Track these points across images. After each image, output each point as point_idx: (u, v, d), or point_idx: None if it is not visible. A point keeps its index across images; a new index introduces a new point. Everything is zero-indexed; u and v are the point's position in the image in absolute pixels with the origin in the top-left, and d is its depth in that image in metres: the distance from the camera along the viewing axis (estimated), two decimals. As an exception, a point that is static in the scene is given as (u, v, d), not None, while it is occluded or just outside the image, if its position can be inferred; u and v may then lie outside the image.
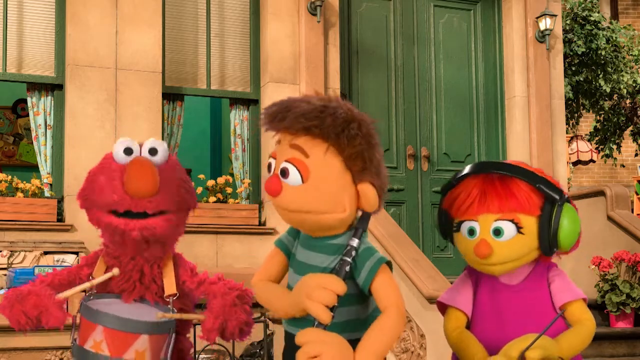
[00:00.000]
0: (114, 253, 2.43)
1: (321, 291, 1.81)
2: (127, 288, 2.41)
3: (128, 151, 2.36)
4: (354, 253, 1.92)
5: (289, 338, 2.09)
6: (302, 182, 1.94)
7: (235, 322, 2.35)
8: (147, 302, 2.42)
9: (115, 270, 2.38)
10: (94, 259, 2.48)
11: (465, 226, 2.17)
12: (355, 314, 2.01)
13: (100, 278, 2.37)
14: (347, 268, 1.90)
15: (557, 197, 2.12)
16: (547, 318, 2.19)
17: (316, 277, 1.87)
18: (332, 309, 1.83)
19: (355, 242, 1.93)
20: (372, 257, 1.98)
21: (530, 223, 2.13)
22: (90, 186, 2.40)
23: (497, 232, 2.13)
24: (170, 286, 2.41)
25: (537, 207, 2.13)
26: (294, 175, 1.94)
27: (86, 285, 2.36)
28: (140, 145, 2.41)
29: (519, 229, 2.12)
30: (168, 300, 2.40)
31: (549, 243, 2.13)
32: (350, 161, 1.96)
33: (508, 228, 2.12)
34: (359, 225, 1.96)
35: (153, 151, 2.38)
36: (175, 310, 2.40)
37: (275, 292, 2.08)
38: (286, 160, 1.95)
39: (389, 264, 2.00)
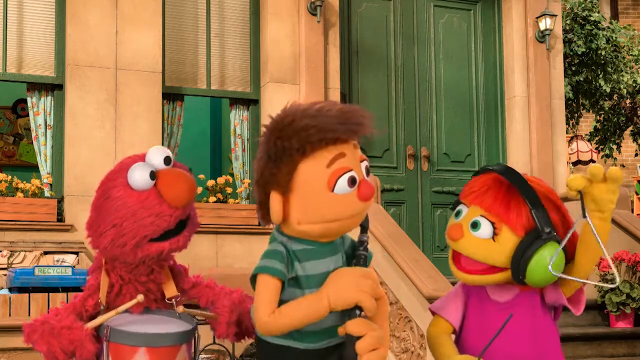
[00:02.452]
0: (127, 267, 2.34)
1: (370, 282, 1.90)
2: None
3: (152, 175, 2.25)
4: (368, 247, 2.03)
5: (296, 354, 2.02)
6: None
7: (249, 315, 2.37)
8: (153, 312, 2.39)
9: (140, 297, 2.33)
10: (96, 287, 2.39)
11: (457, 207, 2.21)
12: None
13: (124, 306, 2.30)
14: (364, 261, 2.01)
15: (545, 231, 2.06)
16: (537, 335, 2.17)
17: (356, 270, 1.94)
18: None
19: (366, 237, 2.04)
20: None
21: (508, 239, 2.08)
22: (120, 232, 2.24)
23: (475, 224, 2.12)
24: (171, 288, 2.40)
25: (522, 229, 2.08)
26: (368, 167, 2.04)
27: (112, 314, 2.29)
28: (144, 160, 2.32)
29: (494, 234, 2.09)
30: (170, 302, 2.38)
31: (517, 271, 2.07)
32: None
33: (485, 227, 2.10)
34: (365, 223, 2.06)
35: (168, 160, 2.31)
36: (191, 317, 2.38)
37: (300, 305, 1.95)
38: (361, 161, 2.00)
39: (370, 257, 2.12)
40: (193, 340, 2.34)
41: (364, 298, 1.87)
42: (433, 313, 2.32)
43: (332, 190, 1.92)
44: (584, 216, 2.04)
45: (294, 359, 2.02)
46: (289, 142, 1.92)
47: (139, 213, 2.21)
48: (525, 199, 2.09)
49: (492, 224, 2.10)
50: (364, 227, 2.05)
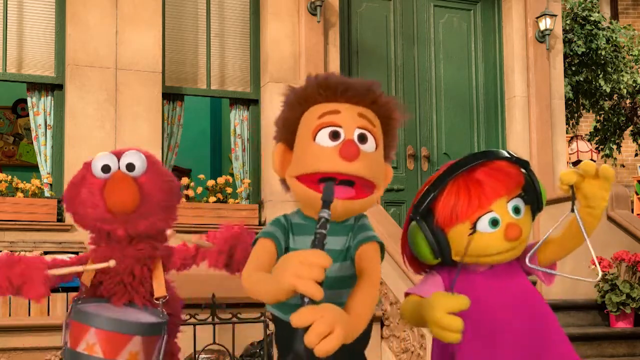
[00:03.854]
0: (104, 254, 2.43)
1: (309, 267, 1.67)
2: (118, 291, 2.41)
3: (106, 168, 2.40)
4: (328, 226, 1.81)
5: (279, 323, 2.09)
6: (375, 149, 1.99)
7: (242, 246, 2.42)
8: (135, 306, 2.42)
9: (112, 262, 2.39)
10: (85, 260, 2.48)
11: (484, 220, 2.11)
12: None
13: (94, 265, 2.38)
14: (325, 241, 1.79)
15: (527, 161, 2.18)
16: (528, 298, 2.17)
17: (299, 254, 1.72)
18: (320, 283, 1.69)
19: (326, 214, 1.82)
20: (368, 231, 2.03)
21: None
22: (72, 196, 2.46)
23: (517, 210, 2.13)
24: (159, 288, 2.42)
25: (521, 177, 2.17)
26: (371, 142, 1.98)
27: (79, 268, 2.37)
28: (119, 158, 2.43)
29: (525, 202, 2.16)
30: (157, 302, 2.41)
31: (538, 204, 2.18)
32: (388, 139, 2.07)
33: (521, 204, 2.15)
34: (326, 197, 1.87)
35: (130, 167, 2.40)
36: (165, 313, 2.40)
37: (260, 279, 1.90)
38: (360, 127, 1.97)
39: (381, 246, 2.02)
40: (161, 340, 2.34)
41: (298, 284, 1.64)
42: (407, 295, 2.24)
43: (314, 140, 1.96)
44: (572, 210, 2.07)
45: (280, 327, 2.09)
46: (304, 90, 2.04)
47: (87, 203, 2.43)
48: (504, 159, 2.15)
49: (520, 196, 2.14)
50: (325, 202, 1.84)
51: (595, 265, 2.13)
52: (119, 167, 2.42)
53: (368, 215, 2.10)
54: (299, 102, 2.04)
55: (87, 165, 2.51)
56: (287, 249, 2.05)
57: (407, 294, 2.25)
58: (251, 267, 1.98)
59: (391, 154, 2.12)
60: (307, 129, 1.99)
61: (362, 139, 1.96)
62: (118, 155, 2.45)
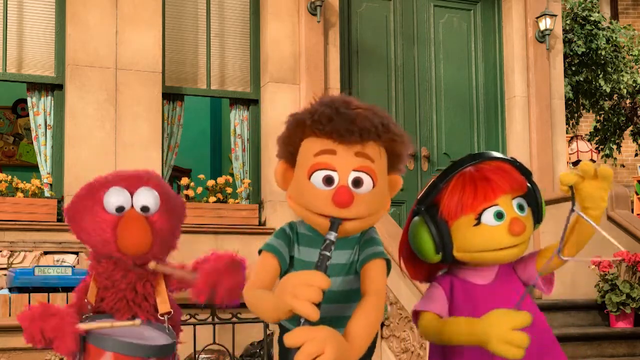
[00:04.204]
0: (106, 272, 2.41)
1: (306, 288, 1.71)
2: (121, 308, 2.40)
3: (120, 209, 2.34)
4: (333, 248, 1.86)
5: (283, 329, 2.11)
6: (372, 187, 1.94)
7: (225, 285, 2.37)
8: (150, 323, 2.41)
9: (137, 321, 2.36)
10: (85, 291, 2.44)
11: (490, 212, 2.11)
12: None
13: (121, 323, 2.35)
14: (328, 262, 1.84)
15: (530, 172, 2.19)
16: (528, 309, 2.17)
17: (299, 275, 1.76)
18: (317, 305, 1.74)
19: (333, 236, 1.87)
20: (375, 246, 2.02)
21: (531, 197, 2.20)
22: (75, 217, 2.41)
23: (521, 207, 2.14)
24: (163, 304, 2.41)
25: (525, 184, 2.18)
26: (367, 183, 1.92)
27: (107, 325, 2.33)
28: (131, 193, 2.37)
29: (528, 204, 2.16)
30: (162, 318, 2.40)
31: (539, 214, 2.19)
32: (396, 159, 2.03)
33: (524, 204, 2.15)
34: (334, 218, 1.92)
35: (145, 209, 2.36)
36: (171, 329, 2.39)
37: (262, 297, 1.93)
38: (356, 170, 1.91)
39: (388, 262, 2.00)
40: (173, 356, 2.34)
41: (295, 304, 1.69)
42: (417, 313, 2.23)
43: (309, 179, 1.93)
44: (573, 209, 2.05)
45: (282, 334, 2.09)
46: (302, 120, 1.96)
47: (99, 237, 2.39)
48: (505, 161, 2.16)
49: (523, 196, 2.15)
50: (333, 224, 1.89)
51: (616, 244, 2.12)
52: (132, 205, 2.37)
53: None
54: (296, 131, 1.99)
55: (93, 190, 2.41)
56: (292, 258, 2.07)
57: (417, 312, 2.22)
58: (253, 285, 1.99)
59: (400, 167, 2.07)
60: (304, 164, 1.95)
61: (357, 183, 1.91)
62: (130, 189, 2.38)
